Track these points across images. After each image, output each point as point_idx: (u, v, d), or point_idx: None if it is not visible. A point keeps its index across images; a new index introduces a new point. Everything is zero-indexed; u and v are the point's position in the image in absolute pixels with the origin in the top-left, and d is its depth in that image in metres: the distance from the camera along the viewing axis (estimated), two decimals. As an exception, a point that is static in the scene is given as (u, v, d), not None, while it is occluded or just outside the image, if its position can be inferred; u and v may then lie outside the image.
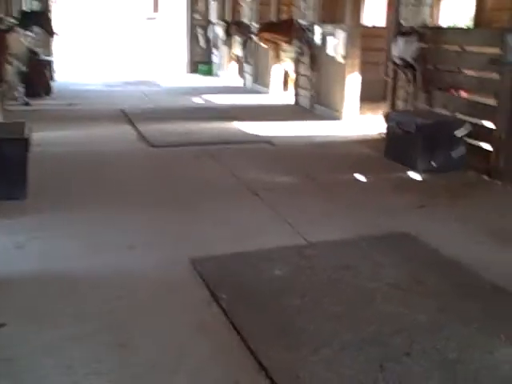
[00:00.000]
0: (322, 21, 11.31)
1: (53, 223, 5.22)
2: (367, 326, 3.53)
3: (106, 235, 4.97)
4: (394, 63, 8.66)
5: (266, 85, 14.12)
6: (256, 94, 14.09)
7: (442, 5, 12.25)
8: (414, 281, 4.13)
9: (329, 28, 10.98)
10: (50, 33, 13.36)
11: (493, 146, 6.83)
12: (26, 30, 12.13)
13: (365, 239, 4.85)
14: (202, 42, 18.65)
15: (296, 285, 4.03)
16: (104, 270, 4.31)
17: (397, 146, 7.52)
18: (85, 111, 11.28)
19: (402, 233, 5.04)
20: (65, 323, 3.55)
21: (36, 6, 15.69)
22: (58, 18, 18.15)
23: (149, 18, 23.16)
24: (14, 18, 12.28)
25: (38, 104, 11.72)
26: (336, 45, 10.50)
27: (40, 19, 12.77)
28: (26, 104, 11.79)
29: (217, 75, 18.04)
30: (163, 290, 3.99)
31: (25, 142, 5.78)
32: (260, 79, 14.66)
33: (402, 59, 8.35)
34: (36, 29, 12.73)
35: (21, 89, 12.74)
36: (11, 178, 5.68)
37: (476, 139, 7.17)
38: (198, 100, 13.03)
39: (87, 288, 4.00)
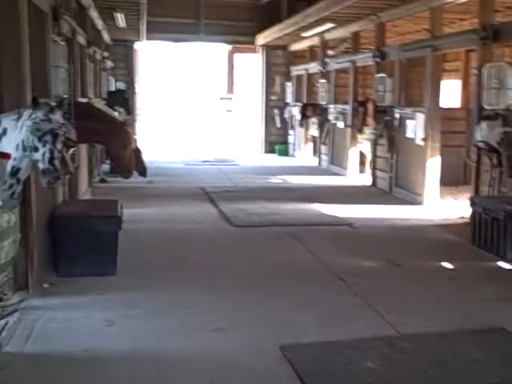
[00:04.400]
0: (401, 103, 11.42)
1: (141, 301, 5.30)
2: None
3: (194, 315, 4.99)
4: (478, 147, 8.55)
5: (343, 166, 14.19)
6: (333, 175, 14.16)
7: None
8: (518, 381, 3.91)
9: (408, 111, 11.04)
10: (127, 111, 13.94)
11: None
12: (113, 109, 12.75)
13: (459, 333, 4.66)
14: (278, 123, 19.06)
15: (390, 379, 3.88)
16: (195, 352, 4.30)
17: (484, 233, 7.31)
18: (165, 189, 11.60)
19: (499, 328, 4.81)
20: (158, 408, 3.54)
21: (121, 86, 16.57)
22: (140, 97, 19.10)
23: (222, 98, 23.95)
24: (103, 99, 12.97)
25: (116, 181, 11.90)
26: (415, 127, 10.51)
27: (119, 98, 13.38)
28: (103, 181, 12.17)
29: (293, 156, 18.31)
30: (255, 377, 3.92)
31: (118, 220, 5.97)
32: (336, 160, 14.75)
33: (485, 143, 8.25)
34: (119, 108, 13.32)
35: (103, 166, 13.26)
36: (103, 254, 5.85)
37: None
38: (276, 180, 13.22)
39: (179, 370, 3.99)
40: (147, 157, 14.16)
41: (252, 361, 4.16)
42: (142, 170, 7.90)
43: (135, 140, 8.00)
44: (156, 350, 4.30)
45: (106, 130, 7.38)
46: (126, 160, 7.44)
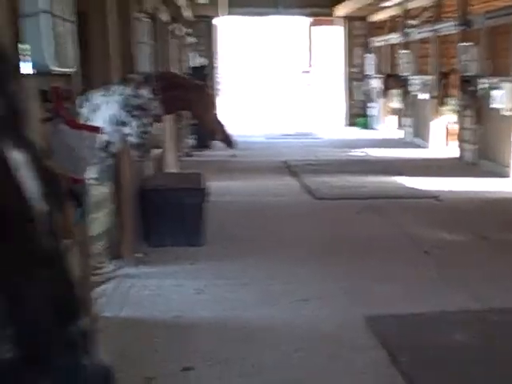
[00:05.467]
0: (486, 73, 11.01)
1: (228, 271, 5.46)
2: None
3: (278, 286, 5.08)
4: None
5: (426, 138, 13.87)
6: (415, 147, 13.88)
7: None
8: None
9: (494, 80, 10.64)
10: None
11: None
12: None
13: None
14: (358, 96, 18.79)
15: (481, 354, 3.82)
16: (279, 321, 4.39)
17: None
18: (248, 162, 11.75)
19: None
20: (248, 372, 3.65)
21: (203, 62, 16.76)
22: (220, 73, 19.25)
23: (304, 72, 23.79)
24: (185, 73, 13.20)
25: (201, 155, 12.29)
26: (502, 98, 10.13)
27: (199, 74, 13.54)
28: (188, 155, 12.45)
29: (374, 128, 18.04)
30: (340, 347, 3.97)
31: (201, 193, 6.13)
32: (419, 132, 14.43)
33: None
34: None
35: (190, 140, 13.54)
36: (191, 225, 6.03)
37: None
38: (357, 153, 13.12)
39: (266, 337, 4.10)
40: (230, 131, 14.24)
41: (337, 331, 4.21)
42: (229, 141, 8.04)
43: (215, 104, 8.21)
44: (242, 318, 4.43)
45: (190, 95, 7.59)
46: (209, 122, 7.66)
